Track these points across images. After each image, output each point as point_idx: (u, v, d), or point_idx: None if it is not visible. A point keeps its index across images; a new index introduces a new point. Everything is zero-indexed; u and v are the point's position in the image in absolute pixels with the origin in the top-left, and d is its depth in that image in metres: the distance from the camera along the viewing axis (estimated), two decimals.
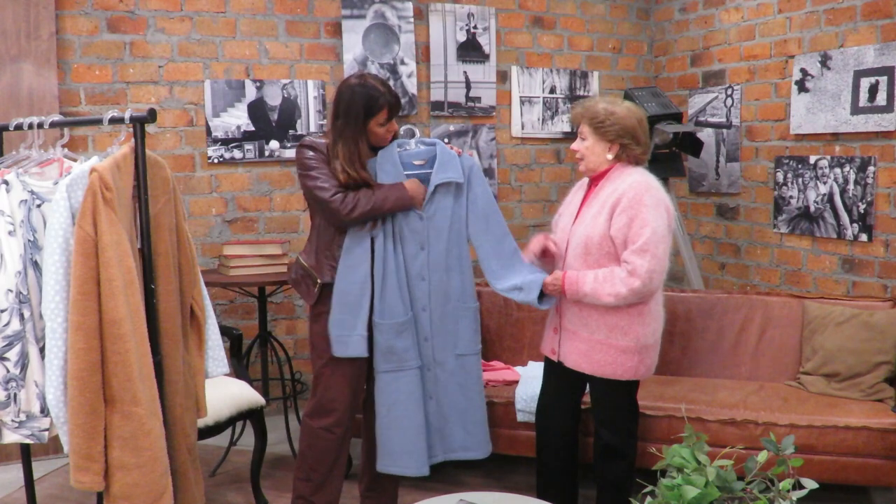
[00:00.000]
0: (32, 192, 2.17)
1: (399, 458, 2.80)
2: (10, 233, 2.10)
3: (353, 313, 2.72)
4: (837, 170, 3.96)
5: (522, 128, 4.87)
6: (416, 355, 2.79)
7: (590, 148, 2.69)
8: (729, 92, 4.61)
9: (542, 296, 2.72)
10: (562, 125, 4.95)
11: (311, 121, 4.33)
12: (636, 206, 2.55)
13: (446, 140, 2.82)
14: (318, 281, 2.76)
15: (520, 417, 3.27)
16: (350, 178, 2.68)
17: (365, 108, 2.69)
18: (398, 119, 2.90)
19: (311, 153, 2.73)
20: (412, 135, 2.82)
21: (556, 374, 2.84)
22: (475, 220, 2.83)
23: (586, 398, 2.89)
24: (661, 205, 2.59)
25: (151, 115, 2.20)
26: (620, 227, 2.56)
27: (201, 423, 2.72)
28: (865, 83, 3.79)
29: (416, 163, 2.79)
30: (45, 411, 2.14)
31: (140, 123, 2.18)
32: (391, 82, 4.44)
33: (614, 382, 2.68)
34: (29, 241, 2.13)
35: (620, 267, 2.57)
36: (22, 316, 2.10)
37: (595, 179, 2.74)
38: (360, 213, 2.66)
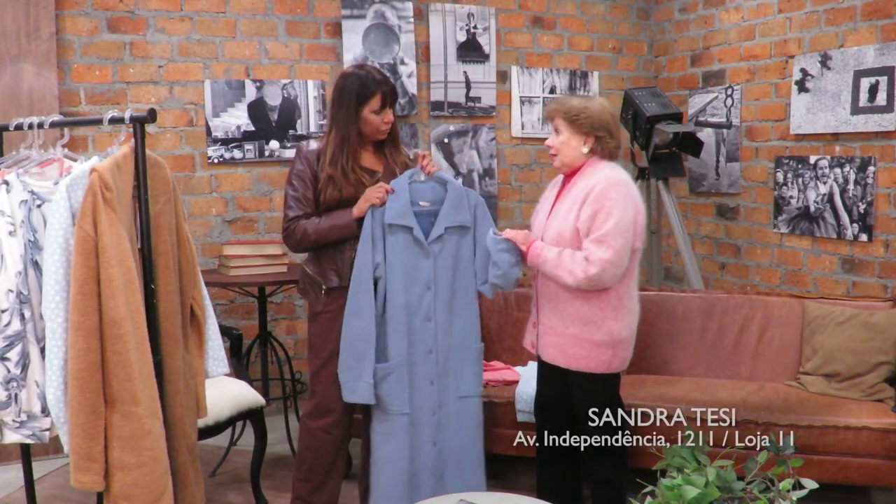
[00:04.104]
0: (33, 193, 2.17)
1: (376, 499, 2.77)
2: (10, 233, 2.10)
3: (358, 360, 2.67)
4: (837, 170, 3.96)
5: (522, 128, 4.87)
6: (404, 403, 2.71)
7: (565, 142, 2.68)
8: (729, 92, 4.61)
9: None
10: None
11: (311, 121, 4.33)
12: (602, 199, 2.56)
13: (450, 170, 2.79)
14: (324, 287, 2.76)
15: (520, 417, 3.27)
16: (338, 168, 2.65)
17: (358, 94, 2.65)
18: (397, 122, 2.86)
19: (298, 165, 2.75)
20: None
21: (546, 371, 2.84)
22: (485, 264, 2.74)
23: None
24: (628, 200, 2.59)
25: (151, 115, 2.20)
26: (585, 220, 2.58)
27: (201, 423, 2.72)
28: (865, 83, 3.79)
29: (423, 203, 2.71)
30: (46, 411, 2.13)
31: (140, 123, 2.18)
32: None
33: (590, 376, 2.68)
34: (29, 241, 2.13)
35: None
36: (23, 316, 2.10)
37: (569, 176, 2.74)
38: (306, 248, 2.74)
